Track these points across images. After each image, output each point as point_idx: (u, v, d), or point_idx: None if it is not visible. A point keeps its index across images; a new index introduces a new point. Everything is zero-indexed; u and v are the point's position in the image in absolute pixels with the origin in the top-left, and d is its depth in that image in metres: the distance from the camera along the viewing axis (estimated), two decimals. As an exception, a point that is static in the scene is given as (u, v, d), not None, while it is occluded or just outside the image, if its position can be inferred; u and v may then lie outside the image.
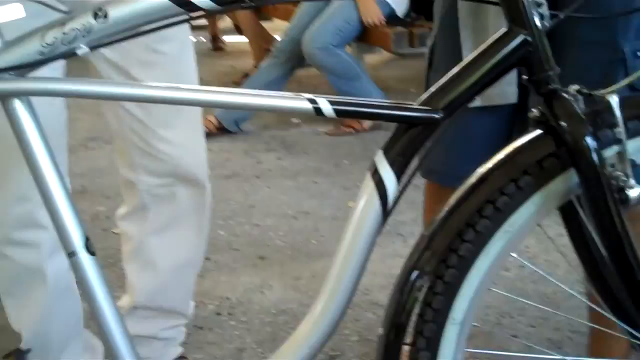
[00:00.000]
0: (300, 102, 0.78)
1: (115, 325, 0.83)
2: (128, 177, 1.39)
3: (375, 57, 4.61)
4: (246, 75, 4.13)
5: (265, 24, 4.89)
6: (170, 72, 1.27)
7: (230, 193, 2.79)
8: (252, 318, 1.87)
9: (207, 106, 0.82)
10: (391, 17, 3.47)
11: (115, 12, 0.76)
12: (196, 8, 0.77)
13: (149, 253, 1.43)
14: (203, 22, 6.05)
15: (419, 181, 1.19)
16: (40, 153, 0.80)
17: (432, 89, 0.81)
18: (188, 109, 1.33)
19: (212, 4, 0.76)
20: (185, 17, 0.78)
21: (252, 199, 2.75)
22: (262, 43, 4.56)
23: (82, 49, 0.76)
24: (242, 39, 5.01)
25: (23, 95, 0.77)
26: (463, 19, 1.23)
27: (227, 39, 5.92)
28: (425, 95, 0.80)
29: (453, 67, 0.81)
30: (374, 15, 3.36)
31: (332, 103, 0.78)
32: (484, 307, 1.76)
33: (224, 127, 3.49)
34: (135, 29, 0.78)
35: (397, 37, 3.50)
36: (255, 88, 3.48)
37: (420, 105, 0.80)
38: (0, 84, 0.76)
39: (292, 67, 3.63)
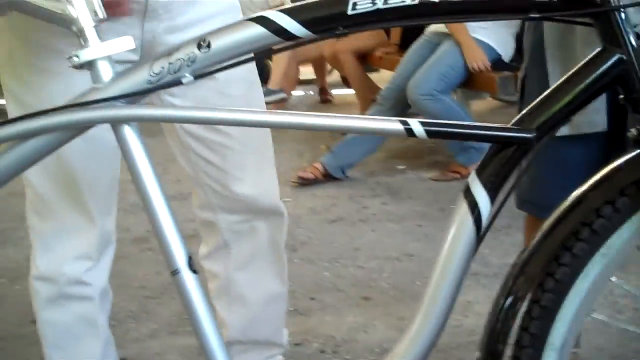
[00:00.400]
0: (392, 124, 0.80)
1: (215, 339, 0.86)
2: (206, 217, 1.41)
3: (482, 104, 4.58)
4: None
5: (372, 76, 4.97)
6: None
7: (335, 236, 2.82)
8: (355, 356, 1.88)
9: (303, 129, 0.84)
10: (497, 62, 3.44)
11: (217, 42, 0.81)
12: (292, 37, 0.81)
13: (236, 288, 1.45)
14: (311, 75, 6.22)
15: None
16: (147, 176, 0.85)
17: (526, 109, 0.81)
18: (260, 148, 1.37)
19: (307, 32, 0.80)
20: (282, 45, 0.83)
21: (357, 242, 2.77)
22: (369, 94, 4.62)
23: (187, 78, 0.81)
24: (349, 91, 5.10)
25: (132, 121, 0.83)
26: (550, 49, 1.24)
27: (335, 91, 6.04)
28: (518, 116, 0.81)
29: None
30: (479, 60, 3.35)
31: (423, 124, 0.79)
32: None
33: (329, 173, 3.54)
34: (234, 58, 0.83)
35: (503, 82, 3.46)
36: (359, 137, 3.53)
37: (513, 125, 0.80)
38: (112, 111, 0.82)
39: (397, 114, 3.65)
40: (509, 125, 0.80)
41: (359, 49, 4.66)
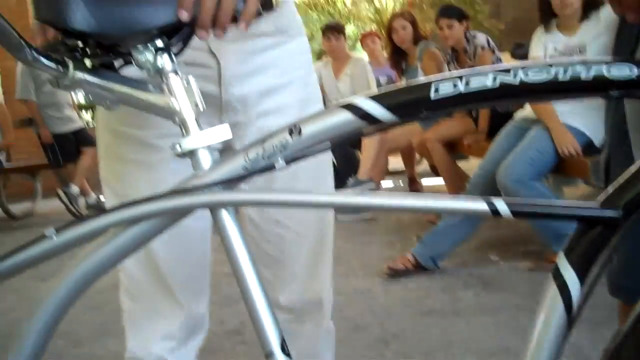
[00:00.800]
0: (476, 203, 0.82)
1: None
2: None
3: (575, 190, 4.49)
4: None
5: (461, 163, 4.98)
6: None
7: (428, 329, 2.78)
8: None
9: (384, 210, 0.87)
10: (588, 146, 3.40)
11: (308, 129, 0.85)
12: (378, 121, 0.84)
13: None
14: (400, 166, 6.27)
15: None
16: (244, 260, 0.88)
17: (611, 187, 0.81)
18: (318, 244, 1.38)
19: (392, 117, 0.84)
20: (368, 129, 0.86)
21: (450, 335, 2.71)
22: (458, 182, 4.63)
23: (280, 163, 0.86)
24: (439, 180, 5.12)
25: (230, 205, 0.88)
26: (633, 126, 1.22)
27: (424, 181, 6.06)
28: (604, 194, 0.80)
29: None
30: (569, 144, 3.32)
31: (508, 204, 0.80)
32: None
33: (421, 264, 3.52)
34: (324, 143, 0.87)
35: (595, 167, 3.38)
36: (448, 224, 3.52)
37: (599, 203, 0.80)
38: (210, 196, 0.87)
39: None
40: (595, 204, 0.80)
41: (447, 137, 4.70)
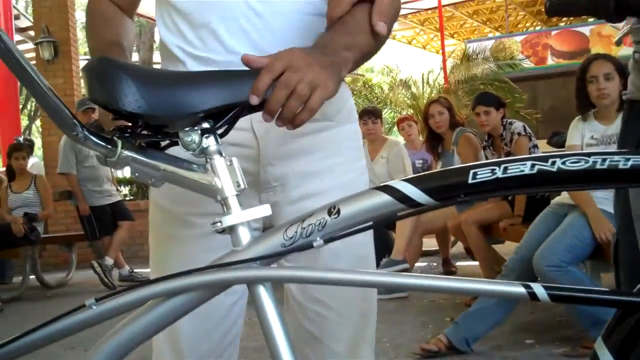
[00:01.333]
0: (514, 287, 0.82)
1: None
2: None
3: (612, 276, 4.41)
4: (476, 297, 4.13)
5: (496, 247, 4.94)
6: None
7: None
8: None
9: (427, 290, 0.87)
10: (627, 234, 3.36)
11: (346, 209, 0.87)
12: (416, 204, 0.86)
13: None
14: (434, 246, 6.24)
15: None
16: (279, 336, 0.89)
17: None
18: (360, 322, 1.35)
19: (430, 200, 0.85)
20: (407, 212, 0.88)
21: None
22: (494, 266, 4.58)
23: (318, 242, 0.88)
24: (474, 263, 5.07)
25: (267, 281, 0.89)
26: (636, 213, 1.23)
27: (459, 263, 6.01)
28: (644, 282, 0.81)
29: (636, 261, 0.81)
30: (606, 230, 3.29)
31: (546, 288, 0.81)
32: None
33: (454, 346, 3.45)
34: (362, 224, 0.89)
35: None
36: (483, 306, 3.47)
37: (638, 290, 0.80)
38: (248, 271, 0.88)
39: (523, 286, 3.58)
40: (634, 290, 0.80)
41: (483, 221, 4.68)
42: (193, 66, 1.24)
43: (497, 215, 4.66)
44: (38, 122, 21.34)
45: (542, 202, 3.91)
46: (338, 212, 0.88)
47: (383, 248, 5.26)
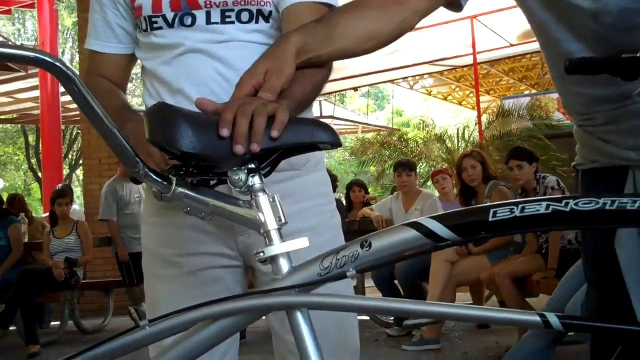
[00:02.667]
0: (530, 316, 0.90)
1: None
2: None
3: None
4: (507, 349, 4.13)
5: (530, 300, 4.93)
6: None
7: None
8: None
9: (451, 319, 0.95)
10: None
11: (377, 243, 0.96)
12: (441, 239, 0.95)
13: None
14: (467, 300, 6.22)
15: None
16: (314, 358, 0.97)
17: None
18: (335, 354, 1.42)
19: (453, 235, 0.94)
20: (432, 246, 0.96)
21: None
22: (527, 319, 4.56)
23: (351, 272, 0.96)
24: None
25: (304, 307, 0.98)
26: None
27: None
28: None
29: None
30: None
31: (559, 317, 0.88)
32: None
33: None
34: (391, 256, 0.97)
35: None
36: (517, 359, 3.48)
37: (645, 321, 0.86)
38: (287, 298, 0.97)
39: (553, 340, 3.59)
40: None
41: (516, 273, 4.69)
42: None
43: (530, 268, 4.66)
44: (78, 171, 21.88)
45: (575, 255, 3.92)
46: (369, 245, 0.97)
47: (416, 299, 5.28)
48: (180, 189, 1.06)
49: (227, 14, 1.41)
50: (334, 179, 6.72)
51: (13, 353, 5.79)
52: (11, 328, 6.06)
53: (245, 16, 1.42)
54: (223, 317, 1.00)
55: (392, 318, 5.70)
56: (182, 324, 1.01)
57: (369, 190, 8.44)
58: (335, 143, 1.05)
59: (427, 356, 4.72)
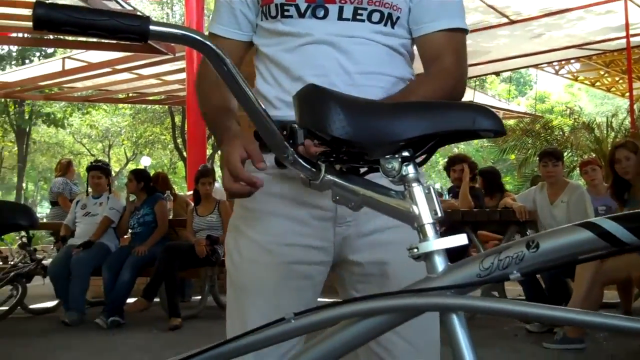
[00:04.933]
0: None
1: None
2: None
3: None
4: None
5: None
6: None
7: None
8: None
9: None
10: None
11: (546, 244, 0.86)
12: (620, 243, 0.83)
13: None
14: (615, 298, 5.88)
15: None
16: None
17: None
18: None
19: (634, 239, 0.82)
20: (609, 251, 0.85)
21: None
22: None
23: (515, 275, 0.87)
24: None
25: (461, 310, 0.90)
26: None
27: (642, 318, 5.61)
28: None
29: None
30: None
31: None
32: None
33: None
34: (560, 259, 0.87)
35: None
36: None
37: None
38: (443, 299, 0.90)
39: None
40: None
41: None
42: (286, 112, 1.41)
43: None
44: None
45: None
46: (537, 246, 0.87)
47: (560, 296, 5.04)
48: (329, 177, 1.00)
49: (359, 11, 1.44)
50: (473, 167, 6.50)
51: (157, 324, 6.05)
52: (155, 300, 6.33)
53: (376, 17, 1.45)
54: (372, 316, 0.94)
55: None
56: (329, 320, 0.95)
57: (507, 178, 8.06)
58: (499, 131, 0.95)
59: (569, 356, 4.48)
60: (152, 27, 0.85)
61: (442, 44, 1.47)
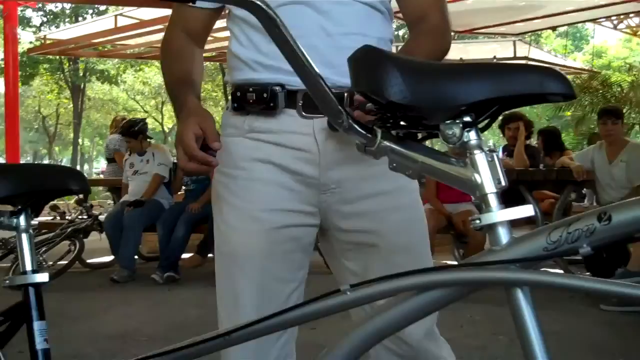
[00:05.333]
0: None
1: None
2: None
3: None
4: None
5: None
6: None
7: None
8: None
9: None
10: None
11: (618, 216, 0.80)
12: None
13: None
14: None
15: None
16: (536, 341, 0.84)
17: None
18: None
19: None
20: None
21: None
22: None
23: (585, 249, 0.82)
24: None
25: (527, 285, 0.85)
26: None
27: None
28: None
29: None
30: None
31: None
32: None
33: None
34: (635, 232, 0.81)
35: None
36: None
37: None
38: (508, 273, 0.85)
39: None
40: None
41: None
42: (265, 75, 1.41)
43: None
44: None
45: None
46: (609, 218, 0.81)
47: (618, 258, 4.92)
48: (385, 143, 0.95)
49: None
50: (529, 125, 6.33)
51: (211, 279, 6.12)
52: (209, 256, 6.40)
53: None
54: (432, 289, 0.89)
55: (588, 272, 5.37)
56: (386, 292, 0.92)
57: (562, 135, 7.79)
58: (569, 94, 0.89)
59: (629, 319, 4.38)
60: (201, -13, 0.81)
61: (426, 1, 1.47)
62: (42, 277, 1.20)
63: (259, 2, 0.83)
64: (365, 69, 0.91)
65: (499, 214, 0.87)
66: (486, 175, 0.89)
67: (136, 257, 6.83)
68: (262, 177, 1.44)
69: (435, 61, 1.19)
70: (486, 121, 0.93)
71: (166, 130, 27.35)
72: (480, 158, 0.90)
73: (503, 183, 0.90)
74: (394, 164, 0.96)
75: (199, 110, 1.37)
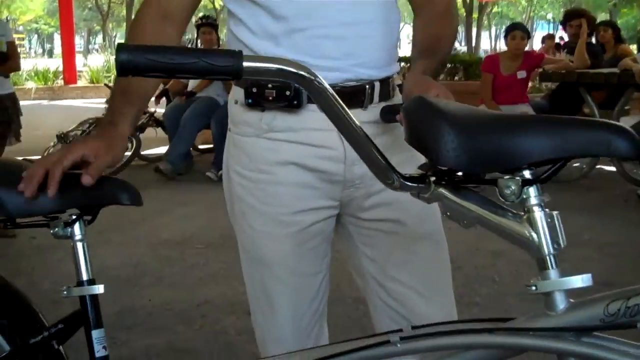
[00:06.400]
0: None
1: None
2: None
3: None
4: None
5: None
6: None
7: None
8: None
9: None
10: None
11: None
12: None
13: None
14: None
15: None
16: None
17: None
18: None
19: None
20: None
21: None
22: None
23: (644, 324, 0.79)
24: None
25: (581, 358, 0.83)
26: None
27: None
28: None
29: None
30: None
31: None
32: None
33: None
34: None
35: None
36: None
37: None
38: (560, 343, 0.83)
39: None
40: None
41: None
42: None
43: None
44: None
45: None
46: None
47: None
48: (440, 190, 0.92)
49: None
50: (592, 22, 6.03)
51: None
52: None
53: None
54: (474, 349, 0.89)
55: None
56: (436, 347, 0.91)
57: (622, 33, 7.33)
58: (636, 157, 0.83)
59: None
60: (245, 64, 0.77)
61: None
62: (98, 289, 1.23)
63: (307, 75, 0.78)
64: (420, 127, 0.86)
65: (556, 283, 0.85)
66: (545, 237, 0.86)
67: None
68: (285, 181, 1.39)
69: (486, 112, 1.12)
70: (547, 177, 0.88)
71: (217, 8, 26.90)
72: (539, 217, 0.86)
73: (562, 245, 0.86)
74: (448, 213, 0.93)
75: (115, 141, 1.29)
